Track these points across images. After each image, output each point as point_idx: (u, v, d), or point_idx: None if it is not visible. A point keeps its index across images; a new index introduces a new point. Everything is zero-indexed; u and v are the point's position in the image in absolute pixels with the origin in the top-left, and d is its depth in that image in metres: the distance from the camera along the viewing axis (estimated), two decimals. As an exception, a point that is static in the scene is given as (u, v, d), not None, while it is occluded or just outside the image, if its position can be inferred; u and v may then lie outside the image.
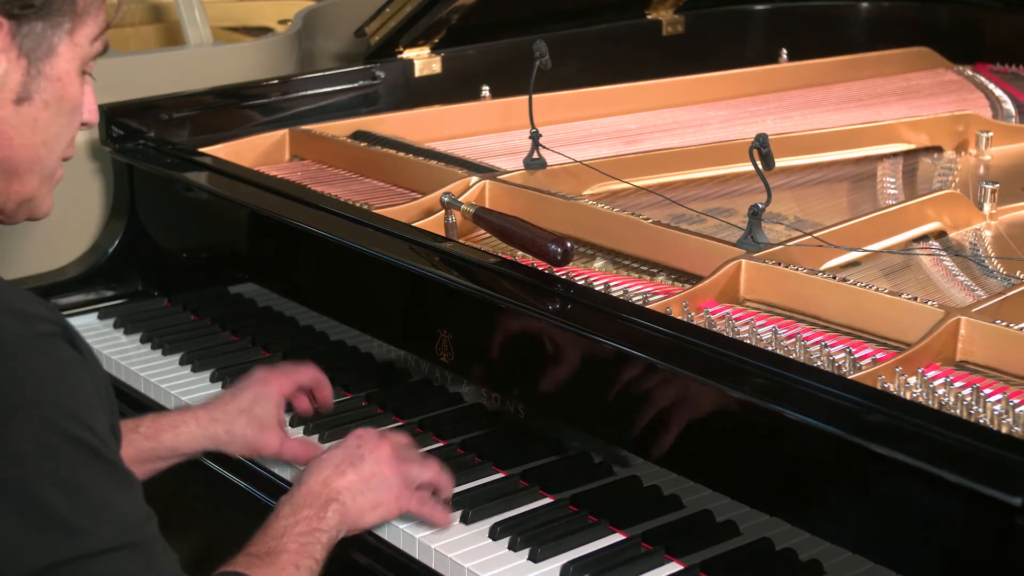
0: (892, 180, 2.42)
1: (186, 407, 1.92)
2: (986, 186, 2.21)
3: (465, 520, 1.71)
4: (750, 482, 1.56)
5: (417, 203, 2.19)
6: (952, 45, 3.17)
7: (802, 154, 2.49)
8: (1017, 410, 1.54)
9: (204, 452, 1.86)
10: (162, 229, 2.51)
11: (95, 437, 1.26)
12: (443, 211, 2.12)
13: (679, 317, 1.76)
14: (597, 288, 1.90)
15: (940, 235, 2.15)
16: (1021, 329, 1.65)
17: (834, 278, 1.82)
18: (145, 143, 2.52)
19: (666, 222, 2.06)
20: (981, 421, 1.52)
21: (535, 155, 2.29)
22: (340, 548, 1.63)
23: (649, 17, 3.22)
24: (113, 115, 2.49)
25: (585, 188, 2.29)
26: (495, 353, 1.83)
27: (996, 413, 1.53)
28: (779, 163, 2.02)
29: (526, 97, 2.26)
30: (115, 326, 2.40)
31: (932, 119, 2.64)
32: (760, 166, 1.93)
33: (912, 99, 2.88)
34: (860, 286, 1.78)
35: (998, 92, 2.91)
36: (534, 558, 1.63)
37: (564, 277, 1.88)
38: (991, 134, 2.59)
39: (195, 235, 2.47)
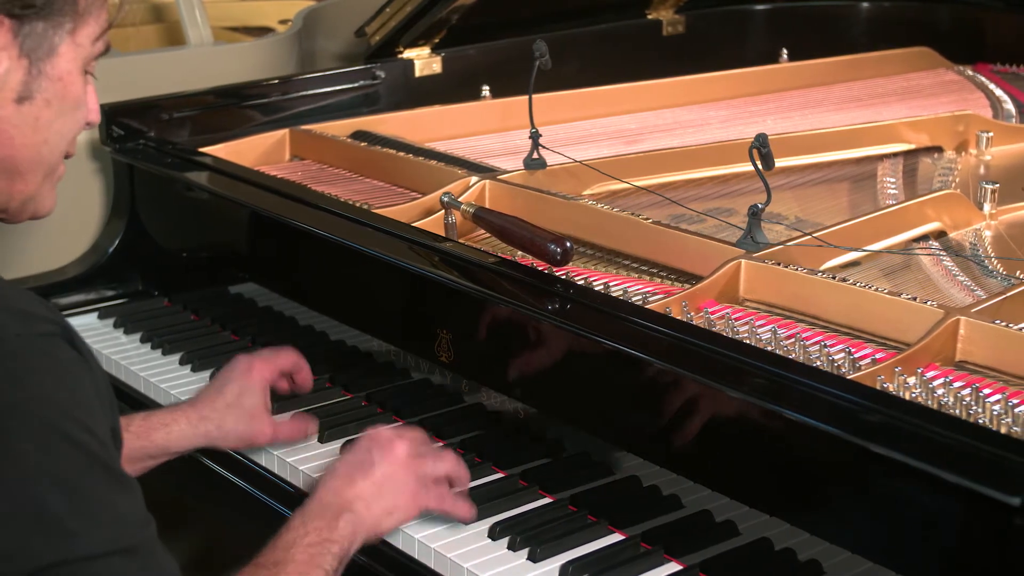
0: (892, 180, 2.42)
1: (175, 405, 1.91)
2: (986, 186, 2.21)
3: (465, 520, 1.71)
4: (749, 482, 1.56)
5: (417, 203, 2.19)
6: (953, 45, 3.17)
7: (802, 154, 2.49)
8: (1016, 410, 1.54)
9: (196, 449, 1.86)
10: (162, 229, 2.51)
11: (94, 439, 1.26)
12: (443, 211, 2.12)
13: (679, 317, 1.76)
14: (597, 288, 1.90)
15: (940, 235, 2.15)
16: (1021, 329, 1.65)
17: (834, 278, 1.82)
18: (145, 143, 2.52)
19: (666, 222, 2.06)
20: (980, 421, 1.52)
21: (535, 155, 2.29)
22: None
23: (649, 17, 3.22)
24: (113, 115, 2.49)
25: (585, 188, 2.29)
26: (495, 353, 1.83)
27: (995, 413, 1.53)
28: (779, 163, 2.02)
29: (526, 97, 2.26)
30: (115, 326, 2.40)
31: (932, 119, 2.63)
32: (760, 166, 1.93)
33: (913, 99, 2.88)
34: (860, 286, 1.78)
35: (999, 92, 2.91)
36: (533, 558, 1.63)
37: (564, 277, 1.89)
38: (991, 134, 2.59)
39: (195, 235, 2.48)
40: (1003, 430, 1.51)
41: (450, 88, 2.85)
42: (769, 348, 1.71)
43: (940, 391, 1.58)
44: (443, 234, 2.10)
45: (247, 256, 2.37)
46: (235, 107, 2.65)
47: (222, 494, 2.00)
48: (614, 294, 1.87)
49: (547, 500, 1.76)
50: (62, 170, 1.45)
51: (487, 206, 2.14)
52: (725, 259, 1.87)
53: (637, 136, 2.61)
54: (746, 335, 1.74)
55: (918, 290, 1.90)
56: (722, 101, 2.84)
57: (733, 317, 1.78)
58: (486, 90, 2.82)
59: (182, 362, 2.23)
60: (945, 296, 1.89)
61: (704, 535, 1.62)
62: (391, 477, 1.62)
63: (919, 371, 1.62)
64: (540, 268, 1.92)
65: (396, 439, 1.66)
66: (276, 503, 1.88)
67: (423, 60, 2.87)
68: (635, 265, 2.04)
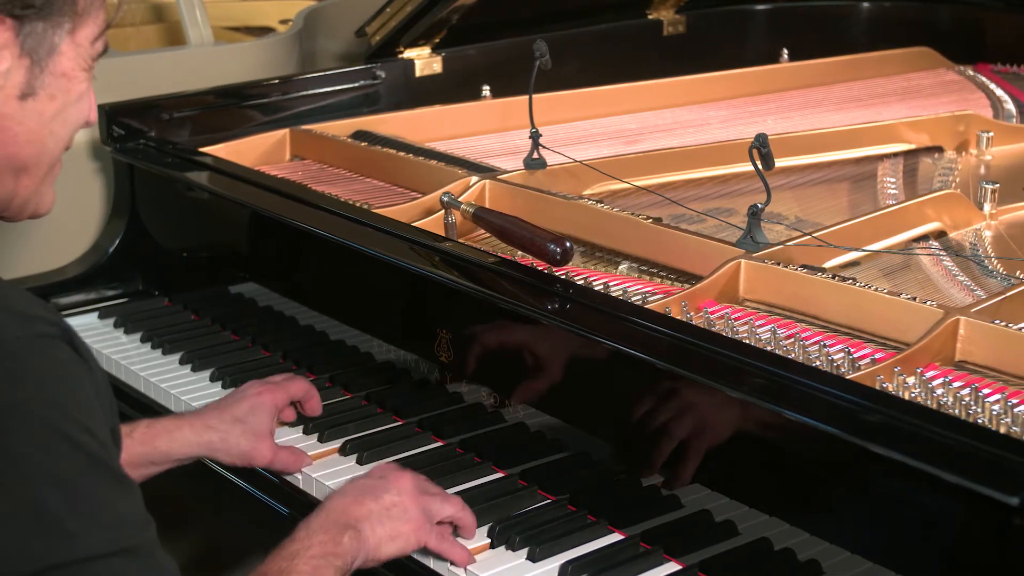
0: (892, 180, 2.42)
1: (180, 413, 1.92)
2: (986, 186, 2.21)
3: (464, 520, 1.71)
4: (749, 482, 1.56)
5: (417, 203, 2.19)
6: (953, 45, 3.16)
7: (803, 154, 2.49)
8: (1016, 410, 1.54)
9: (197, 458, 1.86)
10: (163, 229, 2.51)
11: (94, 440, 1.26)
12: (443, 211, 2.12)
13: (678, 317, 1.76)
14: (596, 288, 1.90)
15: (940, 235, 2.15)
16: (1020, 329, 1.65)
17: (833, 278, 1.82)
18: (146, 143, 2.52)
19: (666, 222, 2.06)
20: (979, 421, 1.52)
21: (535, 155, 2.29)
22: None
23: (650, 17, 3.22)
24: (114, 115, 2.49)
25: (585, 188, 2.29)
26: (494, 353, 1.83)
27: (994, 413, 1.53)
28: (780, 163, 2.02)
29: (526, 97, 2.26)
30: (115, 326, 2.40)
31: (933, 119, 2.63)
32: (760, 166, 1.93)
33: (913, 99, 2.88)
34: (859, 286, 1.78)
35: (999, 92, 2.91)
36: (532, 557, 1.63)
37: (563, 277, 1.89)
38: (992, 134, 2.59)
39: (196, 235, 2.48)
40: (1002, 430, 1.51)
41: (450, 88, 2.85)
42: (768, 348, 1.71)
43: (939, 391, 1.59)
44: (443, 234, 2.10)
45: (247, 256, 2.38)
46: (235, 107, 2.65)
47: (222, 495, 2.00)
48: (614, 294, 1.87)
49: (546, 500, 1.76)
50: (59, 167, 1.46)
51: (487, 206, 2.14)
52: (725, 259, 1.87)
53: (637, 136, 2.61)
54: (745, 335, 1.74)
55: (918, 290, 1.90)
56: (722, 101, 2.85)
57: (733, 317, 1.78)
58: (486, 90, 2.82)
59: (182, 362, 2.23)
60: (945, 296, 1.89)
61: (703, 535, 1.62)
62: (398, 505, 1.62)
63: (918, 371, 1.62)
64: (540, 268, 1.92)
65: (407, 472, 1.68)
66: (276, 503, 1.88)
67: (423, 60, 2.87)
68: (635, 265, 2.04)
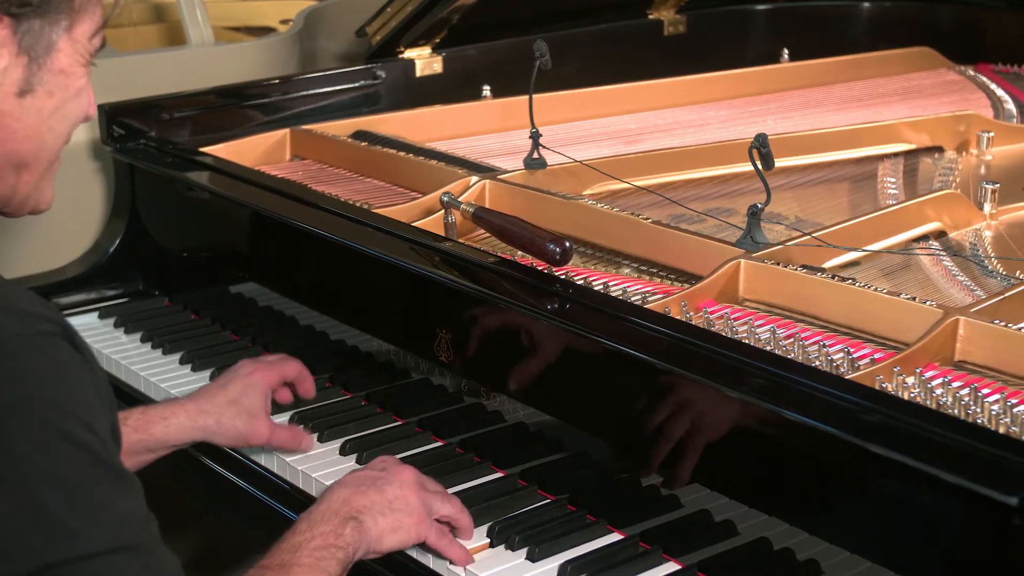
0: (893, 180, 2.42)
1: (174, 399, 1.92)
2: (987, 186, 2.21)
3: (464, 520, 1.71)
4: (748, 482, 1.56)
5: (417, 203, 2.19)
6: (954, 45, 3.17)
7: (803, 154, 2.49)
8: (1015, 410, 1.54)
9: (193, 443, 1.86)
10: (163, 228, 2.51)
11: (95, 438, 1.26)
12: (443, 211, 2.12)
13: (678, 317, 1.76)
14: (596, 288, 1.90)
15: (940, 235, 2.15)
16: (1020, 329, 1.65)
17: (833, 278, 1.82)
18: (146, 143, 2.52)
19: (666, 222, 2.06)
20: (979, 421, 1.52)
21: (535, 155, 2.29)
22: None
23: (651, 17, 3.22)
24: (114, 115, 2.50)
25: (585, 188, 2.29)
26: (494, 353, 1.83)
27: (994, 413, 1.53)
28: (780, 163, 2.02)
29: (526, 97, 2.26)
30: (115, 325, 2.40)
31: (933, 119, 2.63)
32: (760, 166, 1.93)
33: (913, 99, 2.88)
34: (859, 286, 1.78)
35: (1000, 92, 2.91)
36: (532, 557, 1.63)
37: (563, 277, 1.89)
38: (992, 134, 2.58)
39: (196, 235, 2.48)
40: (1002, 430, 1.51)
41: (451, 88, 2.85)
42: (768, 348, 1.71)
43: (939, 391, 1.58)
44: (443, 234, 2.10)
45: (247, 256, 2.38)
46: (236, 107, 2.66)
47: (222, 494, 2.01)
48: (613, 294, 1.87)
49: (546, 500, 1.76)
50: (58, 163, 1.47)
51: (487, 206, 2.14)
52: (724, 259, 1.87)
53: (637, 136, 2.61)
54: (745, 335, 1.74)
55: (918, 290, 1.90)
56: (723, 101, 2.85)
57: (732, 317, 1.78)
58: (487, 90, 2.82)
59: (182, 362, 2.23)
60: (945, 296, 1.89)
61: (703, 535, 1.62)
62: (401, 497, 1.63)
63: (918, 371, 1.62)
64: (540, 268, 1.92)
65: (408, 465, 1.69)
66: (276, 503, 1.88)
67: (424, 60, 2.87)
68: (635, 265, 2.04)
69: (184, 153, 2.47)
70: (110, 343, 2.34)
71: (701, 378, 1.56)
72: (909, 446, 1.39)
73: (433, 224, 2.11)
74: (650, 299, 1.83)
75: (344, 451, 1.91)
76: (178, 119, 2.57)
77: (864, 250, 2.00)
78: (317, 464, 1.89)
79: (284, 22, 3.62)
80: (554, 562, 1.62)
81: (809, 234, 1.96)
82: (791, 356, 1.67)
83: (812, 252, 1.93)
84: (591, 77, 2.84)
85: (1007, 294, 1.77)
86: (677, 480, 1.63)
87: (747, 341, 1.71)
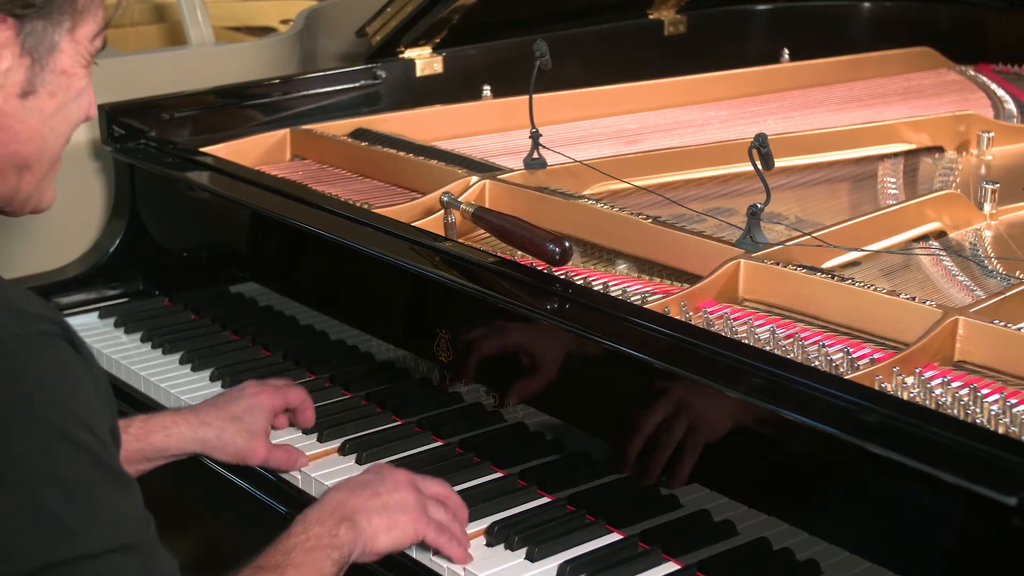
0: (893, 180, 2.42)
1: (176, 409, 1.93)
2: (987, 186, 2.21)
3: (463, 519, 1.71)
4: (747, 482, 1.56)
5: (417, 203, 2.19)
6: (954, 45, 3.16)
7: (803, 154, 2.49)
8: (1014, 410, 1.54)
9: (191, 455, 1.86)
10: (163, 228, 2.51)
11: (95, 438, 1.26)
12: (443, 211, 2.12)
13: (677, 317, 1.76)
14: (596, 288, 1.90)
15: (940, 235, 2.15)
16: (1019, 329, 1.65)
17: (832, 278, 1.82)
18: (146, 143, 2.52)
19: (665, 221, 2.06)
20: (978, 421, 1.52)
21: (535, 155, 2.29)
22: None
23: (651, 17, 3.22)
24: (114, 115, 2.50)
25: (585, 188, 2.29)
26: (493, 353, 1.83)
27: (993, 413, 1.53)
28: (780, 163, 2.02)
29: (527, 97, 2.26)
30: (116, 325, 2.40)
31: (933, 119, 2.63)
32: (759, 166, 1.93)
33: (914, 99, 2.88)
34: (859, 286, 1.78)
35: (1000, 92, 2.91)
36: (531, 557, 1.63)
37: (563, 277, 1.89)
38: (992, 134, 2.58)
39: (196, 234, 2.48)
40: (1001, 430, 1.51)
41: (451, 88, 2.85)
42: (767, 348, 1.71)
43: (938, 391, 1.58)
44: (443, 234, 2.10)
45: (247, 256, 2.38)
46: (236, 107, 2.66)
47: (222, 494, 2.00)
48: (613, 294, 1.87)
49: (545, 499, 1.76)
50: (59, 163, 1.47)
51: (487, 206, 2.14)
52: (724, 259, 1.87)
53: (637, 136, 2.61)
54: (744, 335, 1.74)
55: (917, 290, 1.90)
56: (723, 101, 2.85)
57: (732, 317, 1.78)
58: (487, 90, 2.82)
59: (182, 361, 2.23)
60: (944, 296, 1.89)
61: (702, 535, 1.62)
62: (395, 497, 1.63)
63: (917, 371, 1.62)
64: (540, 268, 1.92)
65: (402, 469, 1.70)
66: (276, 503, 1.88)
67: (424, 60, 2.87)
68: (635, 264, 2.04)
69: (184, 153, 2.47)
70: (110, 343, 2.34)
71: (700, 378, 1.57)
72: (908, 446, 1.39)
73: (433, 224, 2.11)
74: (650, 299, 1.83)
75: (344, 451, 1.91)
76: (178, 119, 2.57)
77: (864, 250, 2.00)
78: (316, 464, 1.89)
79: (284, 22, 3.62)
80: (553, 562, 1.62)
81: (809, 234, 1.96)
82: (790, 356, 1.67)
83: (812, 252, 1.93)
84: (591, 77, 2.84)
85: (1007, 294, 1.77)
86: (676, 480, 1.62)
87: (746, 341, 1.71)
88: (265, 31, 3.62)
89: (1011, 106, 2.82)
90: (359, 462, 1.88)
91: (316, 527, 1.55)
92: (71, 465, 1.24)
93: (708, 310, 1.80)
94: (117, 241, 2.52)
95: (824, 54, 3.08)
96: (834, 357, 1.67)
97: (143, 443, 1.80)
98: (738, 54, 3.21)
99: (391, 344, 2.07)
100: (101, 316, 2.45)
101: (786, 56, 3.17)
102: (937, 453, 1.37)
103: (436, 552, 1.64)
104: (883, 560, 1.42)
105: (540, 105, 2.32)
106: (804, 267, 1.86)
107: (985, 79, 2.99)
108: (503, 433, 1.88)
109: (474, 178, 2.23)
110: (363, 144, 2.52)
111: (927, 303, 1.73)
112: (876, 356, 1.67)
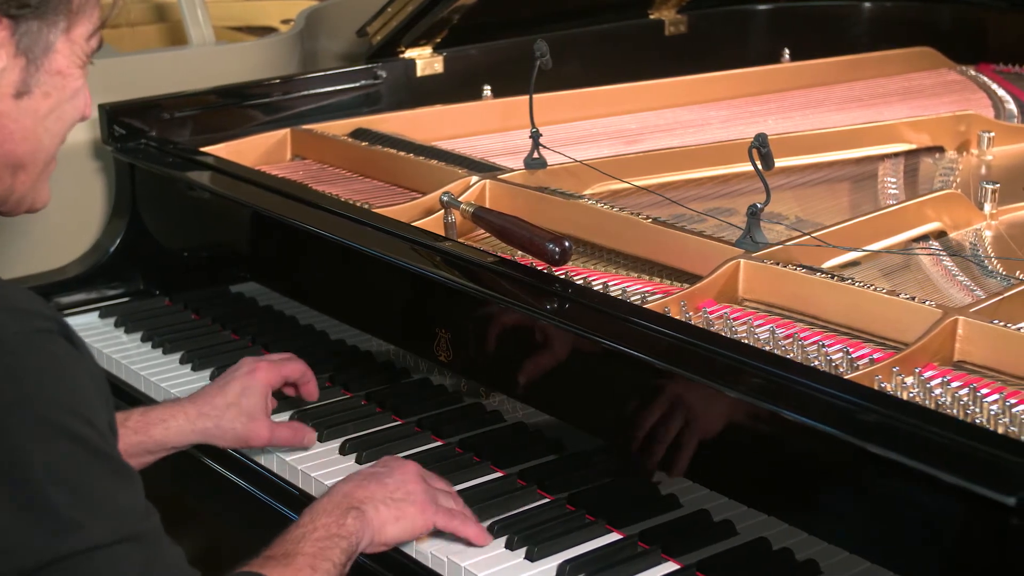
0: (893, 180, 2.42)
1: (174, 401, 1.92)
2: (987, 186, 2.21)
3: (463, 519, 1.71)
4: (747, 482, 1.56)
5: (417, 203, 2.19)
6: (955, 45, 3.16)
7: (803, 154, 2.49)
8: (1014, 410, 1.54)
9: (192, 445, 1.86)
10: (163, 228, 2.51)
11: (95, 432, 1.27)
12: (443, 211, 2.12)
13: (677, 317, 1.76)
14: (595, 288, 1.90)
15: (940, 235, 2.15)
16: (1019, 329, 1.65)
17: (832, 278, 1.82)
18: (147, 142, 2.52)
19: (665, 221, 2.06)
20: (977, 421, 1.52)
21: (535, 155, 2.29)
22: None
23: (651, 17, 3.22)
24: (115, 114, 2.50)
25: (585, 188, 2.29)
26: (493, 352, 1.83)
27: (992, 413, 1.53)
28: (780, 163, 2.02)
29: (527, 97, 2.26)
30: (116, 325, 2.40)
31: (934, 119, 2.63)
32: (759, 166, 1.93)
33: (914, 99, 2.88)
34: (858, 286, 1.78)
35: (1001, 92, 2.90)
36: (531, 557, 1.63)
37: (563, 277, 1.89)
38: (993, 134, 2.58)
39: (196, 234, 2.48)
40: (1000, 430, 1.51)
41: (451, 88, 2.85)
42: (767, 348, 1.71)
43: (938, 391, 1.58)
44: (443, 234, 2.10)
45: (248, 256, 2.38)
46: (236, 107, 2.66)
47: (222, 494, 2.01)
48: (613, 294, 1.87)
49: (545, 499, 1.76)
50: (54, 163, 1.47)
51: (487, 206, 2.14)
52: (724, 259, 1.87)
53: (637, 136, 2.61)
54: (744, 335, 1.74)
55: (917, 290, 1.90)
56: (723, 101, 2.85)
57: (731, 317, 1.78)
58: (487, 90, 2.82)
59: (182, 361, 2.24)
60: (944, 296, 1.89)
61: (702, 535, 1.62)
62: (402, 488, 1.64)
63: (917, 371, 1.62)
64: (540, 268, 1.92)
65: (410, 461, 1.70)
66: (276, 503, 1.89)
67: (424, 60, 2.87)
68: (634, 264, 2.04)
69: (185, 153, 2.47)
70: (110, 343, 2.34)
71: (700, 378, 1.57)
72: (908, 446, 1.39)
73: (433, 224, 2.11)
74: (649, 299, 1.83)
75: (344, 450, 1.91)
76: (179, 119, 2.57)
77: (864, 250, 2.00)
78: (317, 463, 1.89)
79: (285, 22, 3.62)
80: (553, 562, 1.62)
81: (809, 234, 1.96)
82: (790, 356, 1.67)
83: (812, 252, 1.93)
84: (591, 77, 2.84)
85: (1006, 294, 1.77)
86: (674, 477, 1.62)
87: (746, 341, 1.71)
88: (266, 31, 3.62)
89: (1012, 106, 2.82)
90: (359, 462, 1.88)
91: (324, 517, 1.56)
92: (72, 461, 1.24)
93: (708, 310, 1.80)
94: (117, 241, 2.52)
95: (824, 54, 3.08)
96: (834, 357, 1.67)
97: (143, 436, 1.81)
98: (738, 54, 3.21)
99: (391, 344, 2.07)
100: (101, 316, 2.45)
101: (786, 56, 3.17)
102: (937, 453, 1.37)
103: (435, 551, 1.65)
104: (883, 560, 1.42)
105: (540, 105, 2.32)
106: (804, 267, 1.86)
107: (986, 79, 2.99)
108: (503, 433, 1.89)
109: (474, 178, 2.23)
110: (363, 144, 2.52)
111: (927, 303, 1.73)
112: (876, 356, 1.67)
